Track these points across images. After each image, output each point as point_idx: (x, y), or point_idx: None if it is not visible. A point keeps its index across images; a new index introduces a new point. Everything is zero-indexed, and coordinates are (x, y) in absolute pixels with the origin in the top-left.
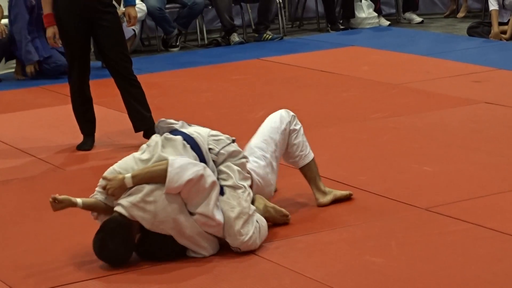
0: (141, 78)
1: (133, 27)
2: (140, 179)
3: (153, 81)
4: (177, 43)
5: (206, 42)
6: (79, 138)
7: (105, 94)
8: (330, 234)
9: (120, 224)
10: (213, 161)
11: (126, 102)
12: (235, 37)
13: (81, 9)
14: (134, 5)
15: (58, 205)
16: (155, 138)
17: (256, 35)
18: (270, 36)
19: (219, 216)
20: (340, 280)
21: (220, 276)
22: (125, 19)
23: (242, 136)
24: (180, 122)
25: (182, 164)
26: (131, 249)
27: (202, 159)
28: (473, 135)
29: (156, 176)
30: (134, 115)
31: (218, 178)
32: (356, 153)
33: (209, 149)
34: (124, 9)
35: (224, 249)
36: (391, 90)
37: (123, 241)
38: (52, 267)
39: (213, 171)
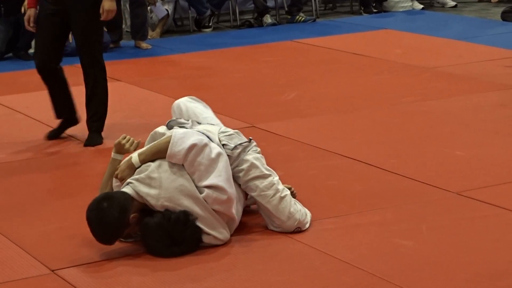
0: (173, 58)
1: (166, 7)
2: (146, 155)
3: (186, 61)
4: (210, 24)
5: (238, 23)
6: (112, 116)
7: (138, 73)
8: (360, 217)
9: (120, 192)
10: (228, 155)
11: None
12: (267, 19)
13: None
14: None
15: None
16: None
17: (289, 17)
18: (303, 18)
19: (231, 190)
20: (370, 262)
21: (250, 257)
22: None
23: (274, 117)
24: (190, 121)
25: (186, 131)
26: (123, 221)
27: None
28: (505, 120)
29: (162, 149)
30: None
31: (240, 171)
32: (387, 136)
33: (223, 145)
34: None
35: (254, 230)
36: (423, 74)
37: (119, 206)
38: (83, 243)
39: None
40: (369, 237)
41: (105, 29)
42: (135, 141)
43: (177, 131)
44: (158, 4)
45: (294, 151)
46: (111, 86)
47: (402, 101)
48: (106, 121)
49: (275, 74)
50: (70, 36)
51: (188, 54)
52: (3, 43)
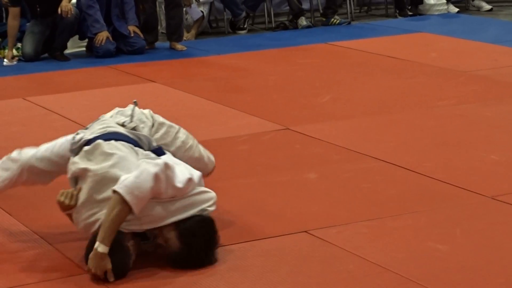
0: (208, 59)
1: (201, 9)
2: (110, 234)
3: (220, 63)
4: (245, 26)
5: (273, 25)
6: None
7: (173, 75)
8: (394, 220)
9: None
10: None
11: None
12: (302, 21)
13: None
14: None
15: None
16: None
17: (324, 19)
18: (338, 21)
19: (195, 173)
20: (404, 266)
21: (283, 259)
22: None
23: (308, 120)
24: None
25: (128, 184)
26: (128, 256)
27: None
28: None
29: (120, 216)
30: None
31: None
32: (422, 139)
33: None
34: None
35: (286, 233)
36: (459, 78)
37: (122, 251)
38: None
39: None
40: (403, 241)
41: (140, 31)
42: (74, 192)
43: (122, 193)
44: (193, 5)
45: (328, 153)
46: (146, 87)
47: (437, 104)
48: None
49: (309, 76)
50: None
51: (222, 56)
52: (39, 43)
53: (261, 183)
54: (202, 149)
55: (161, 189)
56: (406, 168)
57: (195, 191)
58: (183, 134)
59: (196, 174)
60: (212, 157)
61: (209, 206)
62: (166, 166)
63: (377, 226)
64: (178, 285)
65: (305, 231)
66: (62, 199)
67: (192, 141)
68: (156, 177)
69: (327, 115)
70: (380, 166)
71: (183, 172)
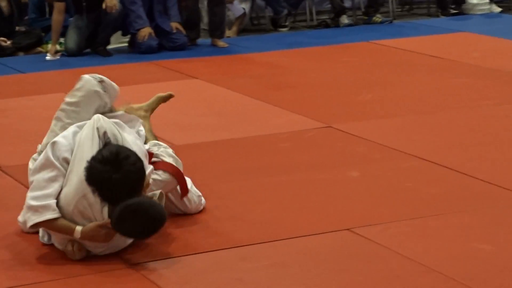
0: (250, 56)
1: (243, 6)
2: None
3: (262, 60)
4: (286, 23)
5: (315, 23)
6: (189, 113)
7: (215, 71)
8: (437, 219)
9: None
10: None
11: None
12: (344, 19)
13: None
14: None
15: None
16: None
17: (366, 17)
18: (380, 19)
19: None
20: (448, 266)
21: (326, 256)
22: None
23: (350, 118)
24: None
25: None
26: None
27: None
28: None
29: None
30: None
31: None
32: (465, 139)
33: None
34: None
35: (328, 230)
36: (502, 78)
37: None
38: (162, 239)
39: None
40: (446, 240)
41: (182, 27)
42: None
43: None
44: (235, 2)
45: (370, 152)
46: (188, 83)
47: (480, 104)
48: (182, 119)
49: (351, 74)
50: None
51: (264, 53)
52: (83, 38)
53: (303, 181)
54: None
55: None
56: (449, 168)
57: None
58: None
59: None
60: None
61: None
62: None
63: (420, 225)
64: (222, 282)
65: (348, 229)
66: (70, 249)
67: None
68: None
69: (369, 113)
70: (422, 165)
71: None
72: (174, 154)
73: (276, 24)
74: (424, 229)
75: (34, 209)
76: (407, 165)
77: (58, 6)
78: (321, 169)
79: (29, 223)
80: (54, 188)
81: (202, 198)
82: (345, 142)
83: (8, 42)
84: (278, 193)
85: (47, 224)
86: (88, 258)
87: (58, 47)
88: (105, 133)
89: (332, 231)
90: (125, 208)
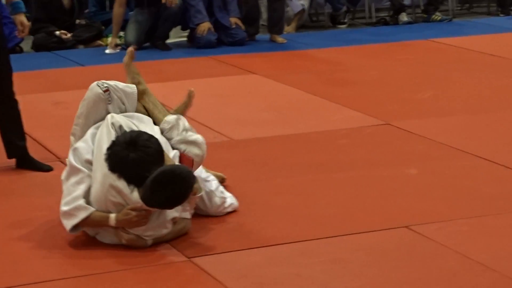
0: (308, 52)
1: (302, 2)
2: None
3: (321, 56)
4: (345, 20)
5: (374, 20)
6: (247, 108)
7: (273, 67)
8: (496, 219)
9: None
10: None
11: (1, 125)
12: (403, 17)
13: None
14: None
15: None
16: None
17: (425, 15)
18: (439, 17)
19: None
20: (506, 265)
21: (384, 254)
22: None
23: (409, 116)
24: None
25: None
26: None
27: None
28: None
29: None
30: (8, 142)
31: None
32: None
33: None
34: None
35: (386, 228)
36: None
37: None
38: (219, 233)
39: None
40: (505, 240)
41: (241, 22)
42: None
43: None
44: None
45: (429, 150)
46: (246, 78)
47: None
48: (241, 114)
49: (410, 72)
50: None
51: (323, 50)
52: (142, 32)
53: (361, 178)
54: None
55: None
56: (508, 167)
57: None
58: None
59: None
60: None
61: None
62: None
63: (478, 224)
64: (279, 276)
65: (406, 227)
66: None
67: None
68: None
69: (428, 111)
70: (481, 164)
71: None
72: (195, 139)
73: (335, 21)
74: (482, 228)
75: (68, 214)
76: (466, 163)
77: None
78: (379, 166)
79: (68, 228)
80: (80, 189)
81: (229, 201)
82: (404, 140)
83: (69, 35)
84: (336, 189)
85: (84, 222)
86: (145, 250)
87: (118, 40)
88: (120, 126)
89: (390, 228)
90: (151, 181)
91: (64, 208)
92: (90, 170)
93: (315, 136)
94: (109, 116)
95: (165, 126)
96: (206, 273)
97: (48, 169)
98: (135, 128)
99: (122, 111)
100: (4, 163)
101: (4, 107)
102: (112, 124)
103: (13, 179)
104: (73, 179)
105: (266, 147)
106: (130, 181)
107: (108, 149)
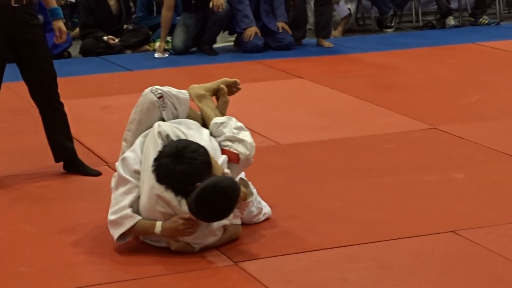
0: (355, 56)
1: (348, 6)
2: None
3: (367, 60)
4: (392, 24)
5: (421, 24)
6: (294, 113)
7: (320, 71)
8: None
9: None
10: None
11: (48, 128)
12: (450, 20)
13: (8, 21)
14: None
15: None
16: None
17: (472, 19)
18: (487, 21)
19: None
20: None
21: (431, 258)
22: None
23: (456, 120)
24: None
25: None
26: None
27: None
28: None
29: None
30: (56, 145)
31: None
32: None
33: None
34: None
35: (433, 231)
36: None
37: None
38: (265, 238)
39: None
40: None
41: (288, 27)
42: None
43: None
44: (341, 3)
45: (476, 154)
46: (293, 83)
47: None
48: (287, 118)
49: (457, 76)
50: None
51: (369, 54)
52: (190, 37)
53: (408, 182)
54: None
55: None
56: None
57: None
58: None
59: None
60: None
61: None
62: None
63: None
64: (326, 281)
65: (453, 231)
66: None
67: None
68: None
69: (475, 115)
70: None
71: None
72: (243, 138)
73: (381, 25)
74: None
75: (115, 223)
76: (495, 166)
77: (168, 2)
78: (426, 171)
79: (115, 237)
80: (128, 199)
81: (265, 210)
82: (451, 144)
83: (116, 40)
84: (382, 194)
85: (131, 231)
86: (192, 255)
87: (165, 45)
88: (167, 136)
89: (436, 233)
90: (195, 197)
91: (111, 217)
92: (138, 180)
93: (362, 141)
94: (156, 124)
95: (216, 123)
96: (253, 277)
97: (97, 173)
98: (183, 136)
99: (175, 116)
100: (50, 168)
101: (50, 110)
102: (159, 133)
103: (60, 183)
104: (121, 189)
105: (312, 151)
106: (177, 192)
107: (155, 160)
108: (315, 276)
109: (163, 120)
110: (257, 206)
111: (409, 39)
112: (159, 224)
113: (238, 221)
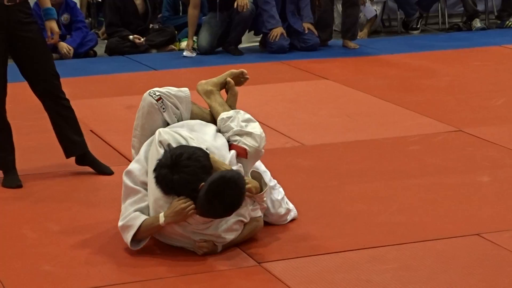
0: (381, 58)
1: (375, 8)
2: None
3: (393, 62)
4: (418, 26)
5: (447, 26)
6: (318, 113)
7: (345, 72)
8: None
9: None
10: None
11: (56, 125)
12: (477, 23)
13: (2, 20)
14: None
15: None
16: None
17: (499, 21)
18: None
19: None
20: None
21: (455, 261)
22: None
23: (482, 122)
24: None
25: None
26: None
27: None
28: None
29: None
30: (65, 141)
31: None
32: None
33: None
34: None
35: (458, 233)
36: None
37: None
38: (289, 239)
39: None
40: None
41: (314, 28)
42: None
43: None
44: (367, 4)
45: (501, 157)
46: (318, 83)
47: None
48: (312, 119)
49: (483, 78)
50: None
51: (395, 55)
52: (215, 37)
53: (432, 184)
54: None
55: None
56: None
57: None
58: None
59: None
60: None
61: None
62: None
63: None
64: (350, 282)
65: (477, 234)
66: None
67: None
68: None
69: (501, 118)
70: None
71: None
72: (251, 130)
73: (407, 27)
74: None
75: (125, 227)
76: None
77: (194, 1)
78: (451, 173)
79: (128, 241)
80: (135, 207)
81: (292, 211)
82: (476, 147)
83: (142, 40)
84: (406, 196)
85: (141, 232)
86: (215, 255)
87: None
88: (169, 145)
89: (461, 236)
90: (202, 199)
91: (120, 223)
92: (146, 190)
93: (387, 142)
94: (157, 133)
95: (223, 119)
96: (276, 278)
97: (110, 172)
98: (183, 142)
99: (178, 116)
100: (75, 166)
101: (54, 106)
102: (160, 142)
103: (74, 183)
104: (130, 199)
105: (337, 152)
106: (179, 196)
107: (153, 171)
108: (339, 278)
109: (167, 122)
110: (285, 207)
111: (434, 41)
112: (162, 215)
113: (258, 213)
